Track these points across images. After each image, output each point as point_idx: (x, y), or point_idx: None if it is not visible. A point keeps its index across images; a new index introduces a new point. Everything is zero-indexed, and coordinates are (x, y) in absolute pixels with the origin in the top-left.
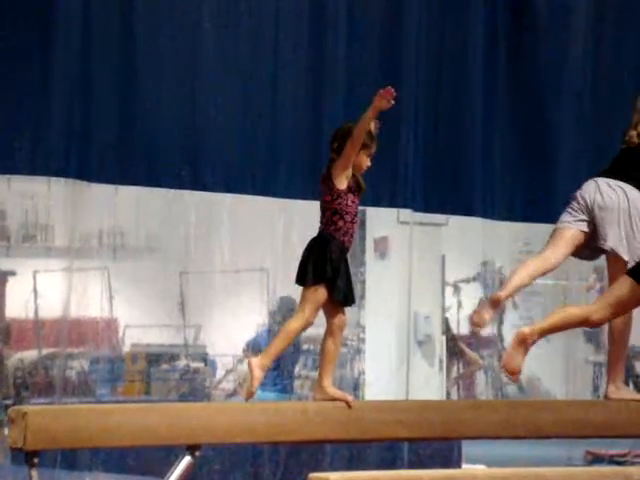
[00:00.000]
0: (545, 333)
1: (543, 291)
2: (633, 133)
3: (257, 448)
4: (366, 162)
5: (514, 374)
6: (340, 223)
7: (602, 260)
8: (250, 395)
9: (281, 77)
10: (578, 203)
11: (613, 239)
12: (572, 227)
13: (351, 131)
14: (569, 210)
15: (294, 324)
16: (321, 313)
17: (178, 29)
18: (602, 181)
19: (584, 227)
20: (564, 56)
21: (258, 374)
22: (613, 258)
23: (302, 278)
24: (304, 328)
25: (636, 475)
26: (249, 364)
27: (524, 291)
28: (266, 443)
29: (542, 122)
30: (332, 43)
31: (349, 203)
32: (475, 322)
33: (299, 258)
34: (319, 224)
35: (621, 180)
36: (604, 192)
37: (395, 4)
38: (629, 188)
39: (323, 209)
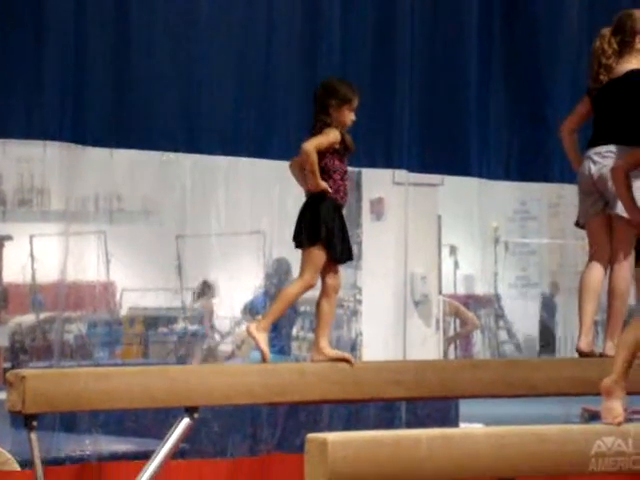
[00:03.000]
0: (626, 373)
1: (539, 250)
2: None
3: (255, 409)
4: (350, 117)
5: (619, 423)
6: (330, 182)
7: None
8: (267, 358)
9: (276, 39)
10: (583, 186)
11: (621, 204)
12: (591, 217)
13: (331, 87)
14: (580, 198)
15: (292, 288)
16: None
17: None
18: (592, 153)
19: (600, 206)
20: (560, 14)
21: (260, 336)
22: (621, 222)
23: (298, 241)
24: (303, 291)
25: (632, 432)
26: (248, 331)
27: (519, 251)
28: (264, 404)
29: (538, 80)
30: (327, 4)
31: (336, 162)
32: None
33: (295, 220)
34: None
35: (607, 144)
36: (598, 163)
37: None
38: (618, 149)
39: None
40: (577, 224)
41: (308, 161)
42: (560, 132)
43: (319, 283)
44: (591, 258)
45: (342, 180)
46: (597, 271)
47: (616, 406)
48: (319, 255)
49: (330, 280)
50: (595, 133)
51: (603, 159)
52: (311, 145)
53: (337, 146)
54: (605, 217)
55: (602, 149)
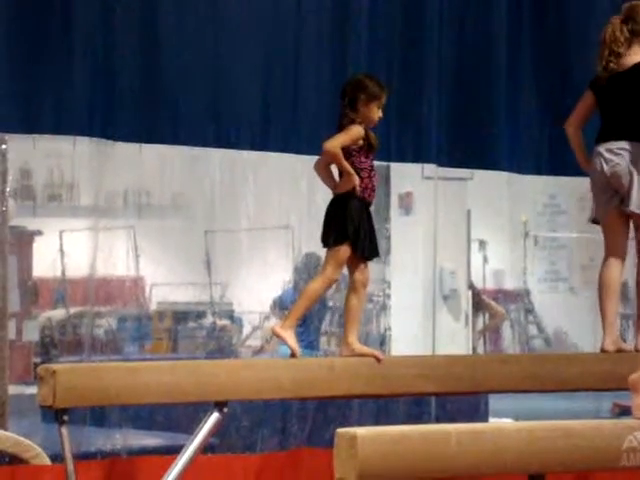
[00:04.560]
0: None
1: (569, 244)
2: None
3: (284, 404)
4: (377, 114)
5: None
6: None
7: None
8: (296, 354)
9: (304, 34)
10: (597, 182)
11: (635, 201)
12: (607, 213)
13: (360, 83)
14: (594, 194)
15: (315, 284)
16: (345, 270)
17: None
18: (604, 150)
19: (616, 202)
20: (591, 7)
21: (286, 334)
22: (638, 219)
23: (325, 240)
24: (326, 287)
25: None
26: (274, 332)
27: (549, 245)
28: (293, 399)
29: (567, 74)
30: None
31: (362, 160)
32: None
33: (323, 215)
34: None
35: (618, 140)
36: (610, 161)
37: None
38: (630, 145)
39: (339, 168)
40: (591, 220)
41: (335, 161)
42: (565, 129)
43: (347, 277)
44: (607, 255)
45: (369, 178)
46: (615, 268)
47: None
48: (344, 252)
49: (358, 275)
50: (604, 128)
51: (615, 156)
52: (332, 144)
53: (361, 142)
54: (621, 212)
55: (613, 145)
